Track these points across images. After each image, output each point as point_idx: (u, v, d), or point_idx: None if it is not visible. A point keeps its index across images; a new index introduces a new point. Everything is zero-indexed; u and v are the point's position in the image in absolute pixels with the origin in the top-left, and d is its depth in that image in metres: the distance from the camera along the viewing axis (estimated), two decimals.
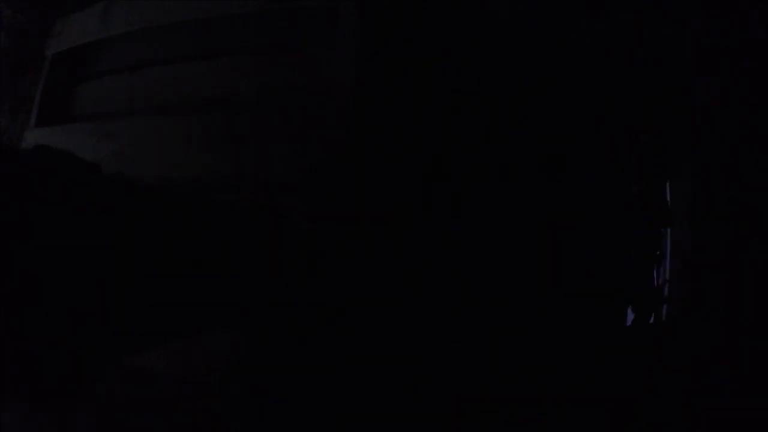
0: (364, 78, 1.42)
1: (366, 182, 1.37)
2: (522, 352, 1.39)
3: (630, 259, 1.81)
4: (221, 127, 1.58)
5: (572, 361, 1.43)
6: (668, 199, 2.54)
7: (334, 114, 1.41)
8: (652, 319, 2.49)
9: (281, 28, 1.62)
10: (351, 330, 1.31)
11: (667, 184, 2.56)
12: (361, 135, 1.39)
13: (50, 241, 0.68)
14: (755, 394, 1.49)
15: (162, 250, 0.86)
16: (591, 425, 1.39)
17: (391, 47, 1.46)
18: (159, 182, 1.12)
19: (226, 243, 1.03)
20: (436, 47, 1.46)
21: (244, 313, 1.18)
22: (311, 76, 1.50)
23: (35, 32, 2.34)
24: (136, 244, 0.80)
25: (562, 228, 1.49)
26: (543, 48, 1.52)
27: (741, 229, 1.71)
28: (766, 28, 1.72)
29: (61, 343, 0.71)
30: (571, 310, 1.47)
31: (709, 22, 1.84)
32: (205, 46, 1.74)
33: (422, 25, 1.47)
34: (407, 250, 1.37)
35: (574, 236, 1.50)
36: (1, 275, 0.64)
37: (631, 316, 2.01)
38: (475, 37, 1.48)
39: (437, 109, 1.44)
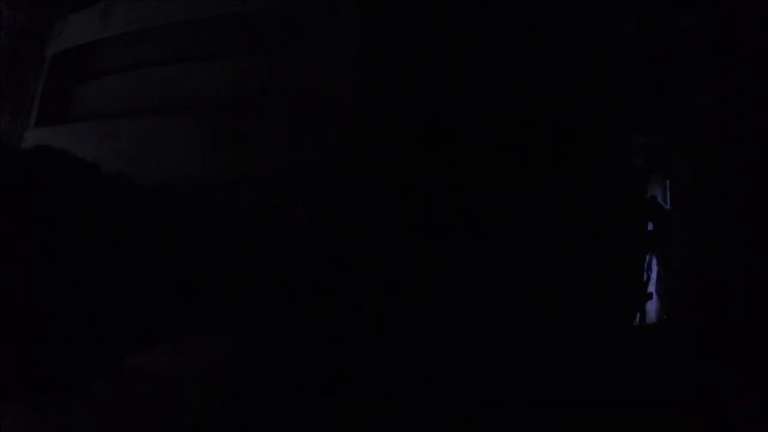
0: (364, 78, 1.41)
1: (366, 182, 1.37)
2: (521, 351, 1.39)
3: (628, 257, 1.80)
4: (221, 127, 1.58)
5: (572, 360, 1.43)
6: (667, 197, 2.54)
7: (335, 114, 1.41)
8: (649, 317, 2.49)
9: (281, 28, 1.62)
10: (350, 329, 1.31)
11: (667, 182, 2.57)
12: (361, 135, 1.39)
13: (50, 241, 0.68)
14: (755, 395, 1.49)
15: (162, 250, 0.86)
16: (591, 425, 1.39)
17: (392, 47, 1.46)
18: (159, 182, 1.12)
19: (227, 243, 1.03)
20: (437, 46, 1.46)
21: (245, 312, 1.18)
22: (311, 76, 1.50)
23: (35, 32, 2.34)
24: (136, 243, 0.80)
25: (561, 227, 1.49)
26: (545, 47, 1.52)
27: (741, 228, 1.71)
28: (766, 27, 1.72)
29: (62, 343, 0.71)
30: (571, 309, 1.47)
31: (712, 21, 1.84)
32: (205, 46, 1.74)
33: (423, 25, 1.47)
34: (407, 249, 1.37)
35: (573, 236, 1.50)
36: (1, 275, 0.63)
37: (632, 316, 2.01)
38: (477, 35, 1.47)
39: (438, 109, 1.44)
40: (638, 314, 2.39)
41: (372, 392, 1.31)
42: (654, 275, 2.55)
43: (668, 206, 2.53)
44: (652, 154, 2.39)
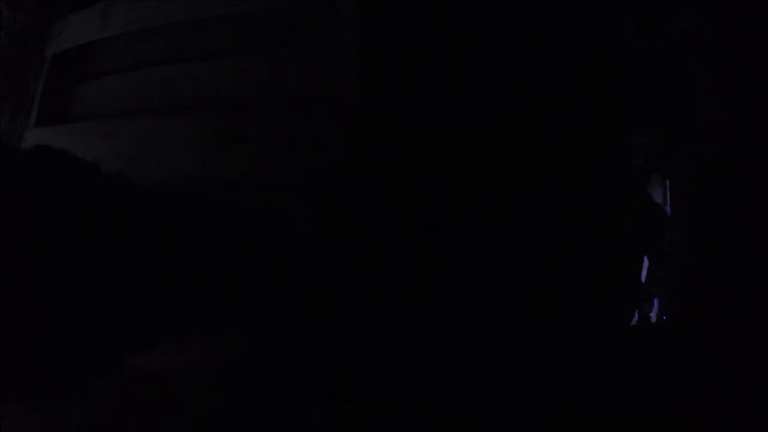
0: (364, 78, 1.42)
1: (366, 182, 1.37)
2: (521, 351, 1.39)
3: (628, 257, 1.80)
4: (221, 127, 1.58)
5: (572, 360, 1.43)
6: (667, 197, 2.54)
7: (335, 114, 1.41)
8: (650, 317, 2.49)
9: (281, 28, 1.62)
10: (350, 329, 1.31)
11: (667, 182, 2.57)
12: (361, 135, 1.39)
13: (50, 241, 0.68)
14: (755, 395, 1.49)
15: (162, 250, 0.86)
16: (591, 425, 1.39)
17: (392, 47, 1.46)
18: (159, 182, 1.13)
19: (227, 243, 1.03)
20: (437, 47, 1.46)
21: (245, 312, 1.18)
22: (311, 76, 1.50)
23: (35, 32, 2.34)
24: (136, 243, 0.80)
25: (560, 227, 1.49)
26: (545, 47, 1.52)
27: (741, 228, 1.71)
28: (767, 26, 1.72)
29: (62, 343, 0.71)
30: (570, 309, 1.47)
31: (712, 21, 1.84)
32: (205, 46, 1.74)
33: (423, 25, 1.47)
34: (407, 249, 1.37)
35: (573, 235, 1.50)
36: (1, 275, 0.64)
37: (632, 316, 2.01)
38: (477, 36, 1.48)
39: (438, 109, 1.44)
40: (637, 314, 2.39)
41: (372, 392, 1.31)
42: (644, 276, 2.54)
43: (665, 205, 2.53)
44: (652, 154, 2.40)
